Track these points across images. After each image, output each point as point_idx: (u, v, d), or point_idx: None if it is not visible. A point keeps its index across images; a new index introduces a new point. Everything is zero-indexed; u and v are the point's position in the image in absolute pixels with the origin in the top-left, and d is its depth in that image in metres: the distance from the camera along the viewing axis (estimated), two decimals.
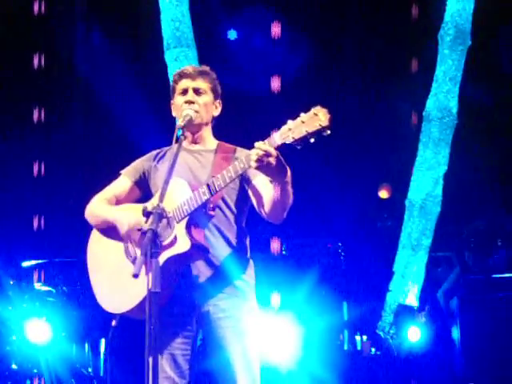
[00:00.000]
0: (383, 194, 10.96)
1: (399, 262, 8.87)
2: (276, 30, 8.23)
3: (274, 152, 3.28)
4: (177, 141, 3.60)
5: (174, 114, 3.96)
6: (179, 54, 8.20)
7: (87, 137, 9.62)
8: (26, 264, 7.93)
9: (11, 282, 7.58)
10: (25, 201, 9.13)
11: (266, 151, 3.27)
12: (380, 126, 10.26)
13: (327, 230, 9.53)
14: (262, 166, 3.30)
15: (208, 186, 3.51)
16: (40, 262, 7.93)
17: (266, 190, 3.58)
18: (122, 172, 4.01)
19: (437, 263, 9.27)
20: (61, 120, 9.57)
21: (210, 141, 3.93)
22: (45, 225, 8.69)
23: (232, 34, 10.07)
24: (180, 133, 3.65)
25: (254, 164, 3.30)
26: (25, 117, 9.26)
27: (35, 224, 8.70)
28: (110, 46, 9.29)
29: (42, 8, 8.70)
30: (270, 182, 3.52)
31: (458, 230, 9.63)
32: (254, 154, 3.29)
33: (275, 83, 7.90)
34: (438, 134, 8.84)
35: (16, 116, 9.46)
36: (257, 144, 3.31)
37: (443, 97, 8.89)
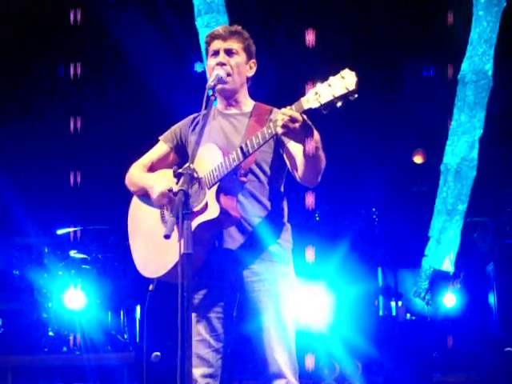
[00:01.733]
0: (418, 159, 10.85)
1: (434, 228, 8.80)
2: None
3: (299, 117, 3.23)
4: (207, 101, 3.55)
5: (208, 76, 3.89)
6: (210, 20, 8.16)
7: (122, 96, 9.62)
8: (60, 232, 7.98)
9: (46, 250, 7.65)
10: (61, 158, 9.13)
11: (290, 116, 3.23)
12: (414, 89, 10.14)
13: (362, 196, 9.46)
14: (289, 131, 3.26)
15: (237, 152, 3.48)
16: (75, 229, 7.97)
17: (299, 153, 3.52)
18: (161, 138, 3.98)
19: (473, 228, 9.16)
20: (97, 77, 9.56)
21: (246, 103, 3.85)
22: (81, 182, 8.69)
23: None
24: (210, 93, 3.59)
25: (280, 130, 3.26)
26: (61, 73, 9.25)
27: (71, 180, 8.71)
28: (142, 13, 9.25)
29: None
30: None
31: (494, 194, 9.51)
32: (280, 119, 3.25)
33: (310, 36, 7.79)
34: (473, 98, 8.71)
35: (52, 72, 9.45)
36: (282, 110, 3.27)
37: (478, 59, 8.75)
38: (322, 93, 3.18)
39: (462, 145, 8.73)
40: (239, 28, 3.85)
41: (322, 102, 3.17)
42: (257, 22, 8.71)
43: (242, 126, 3.75)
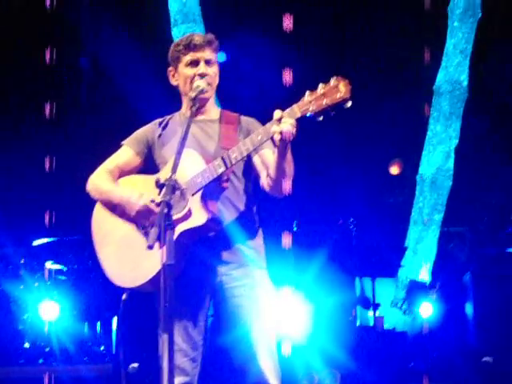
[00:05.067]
0: (394, 169, 10.89)
1: (411, 238, 8.83)
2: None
3: (295, 124, 3.24)
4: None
5: (173, 82, 3.85)
6: (186, 30, 8.18)
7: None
8: (36, 243, 7.92)
9: (22, 261, 7.59)
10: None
11: (291, 125, 3.22)
12: (390, 101, 10.17)
13: (339, 206, 9.47)
14: (283, 138, 3.24)
15: (223, 158, 3.45)
16: (51, 240, 7.91)
17: (271, 162, 3.51)
18: (124, 142, 3.89)
19: (449, 238, 9.19)
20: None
21: (213, 110, 3.85)
22: (58, 193, 8.60)
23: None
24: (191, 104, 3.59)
25: (277, 136, 3.24)
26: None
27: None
28: (117, 25, 9.24)
29: None
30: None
31: (471, 204, 9.56)
32: (282, 126, 3.22)
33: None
34: (448, 108, 8.79)
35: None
36: (286, 119, 3.23)
37: (453, 70, 8.83)
38: (315, 101, 3.19)
39: (438, 155, 8.79)
40: (213, 37, 3.82)
41: (316, 110, 3.19)
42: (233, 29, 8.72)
43: (214, 132, 3.75)
